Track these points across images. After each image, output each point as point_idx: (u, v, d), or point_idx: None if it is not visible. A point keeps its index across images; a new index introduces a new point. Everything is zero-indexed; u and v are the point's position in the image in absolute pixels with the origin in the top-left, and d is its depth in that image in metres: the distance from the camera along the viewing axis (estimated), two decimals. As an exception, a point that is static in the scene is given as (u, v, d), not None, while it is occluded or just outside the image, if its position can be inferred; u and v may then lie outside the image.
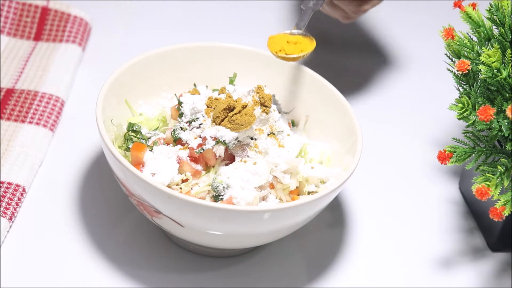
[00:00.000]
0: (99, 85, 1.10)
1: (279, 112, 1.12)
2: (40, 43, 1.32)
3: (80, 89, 1.28)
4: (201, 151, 1.05)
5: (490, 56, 1.03)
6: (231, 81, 1.16)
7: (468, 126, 1.04)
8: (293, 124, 1.18)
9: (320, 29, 1.47)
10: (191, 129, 1.08)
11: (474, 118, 1.02)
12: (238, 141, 1.06)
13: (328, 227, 1.16)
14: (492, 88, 1.04)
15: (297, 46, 1.13)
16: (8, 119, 1.19)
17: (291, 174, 1.07)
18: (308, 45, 1.13)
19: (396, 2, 1.56)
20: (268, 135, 1.08)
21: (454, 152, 1.04)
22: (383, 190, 1.22)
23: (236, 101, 1.07)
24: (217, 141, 1.05)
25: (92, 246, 1.08)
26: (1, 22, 1.33)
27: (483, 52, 1.04)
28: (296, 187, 1.08)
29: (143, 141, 1.09)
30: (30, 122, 1.19)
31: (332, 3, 1.24)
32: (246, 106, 1.06)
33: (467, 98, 1.03)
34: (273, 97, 1.13)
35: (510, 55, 1.04)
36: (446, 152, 1.04)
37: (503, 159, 1.02)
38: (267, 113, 1.07)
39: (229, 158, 1.07)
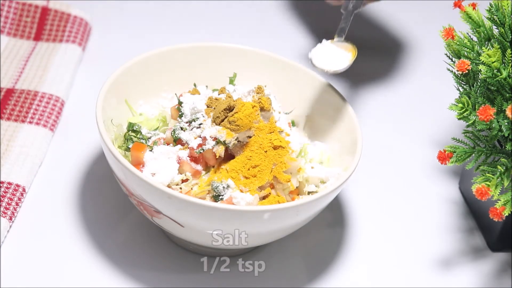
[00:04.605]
0: (99, 85, 1.10)
1: (279, 112, 1.12)
2: (40, 43, 1.32)
3: (80, 89, 1.28)
4: (201, 151, 1.05)
5: (490, 56, 1.03)
6: (231, 81, 1.16)
7: (468, 126, 1.04)
8: (293, 124, 1.18)
9: (320, 29, 1.47)
10: (191, 129, 1.08)
11: (474, 118, 1.02)
12: (238, 141, 1.06)
13: (328, 227, 1.16)
14: (492, 88, 1.04)
15: None
16: (8, 119, 1.19)
17: (291, 174, 1.07)
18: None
19: (397, 2, 1.56)
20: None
21: (454, 152, 1.04)
22: (383, 190, 1.22)
23: (236, 101, 1.07)
24: (217, 141, 1.05)
25: (92, 246, 1.08)
26: (1, 22, 1.33)
27: (483, 52, 1.04)
28: (296, 187, 1.08)
29: (143, 141, 1.09)
30: (30, 122, 1.19)
31: None
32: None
33: (467, 98, 1.03)
34: (273, 97, 1.13)
35: (510, 55, 1.04)
36: (446, 152, 1.04)
37: (503, 159, 1.02)
38: (268, 110, 1.07)
39: (229, 158, 1.07)
